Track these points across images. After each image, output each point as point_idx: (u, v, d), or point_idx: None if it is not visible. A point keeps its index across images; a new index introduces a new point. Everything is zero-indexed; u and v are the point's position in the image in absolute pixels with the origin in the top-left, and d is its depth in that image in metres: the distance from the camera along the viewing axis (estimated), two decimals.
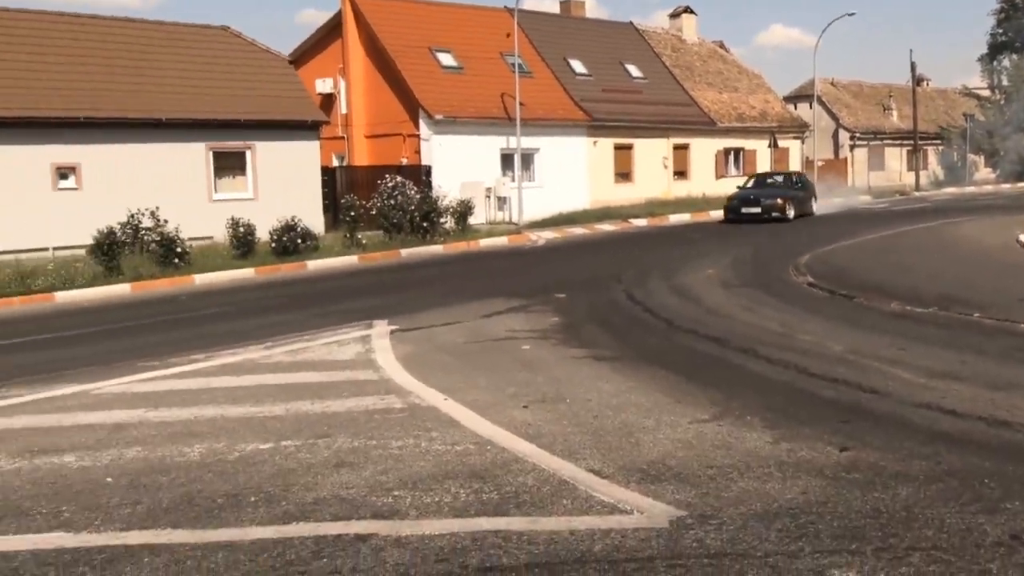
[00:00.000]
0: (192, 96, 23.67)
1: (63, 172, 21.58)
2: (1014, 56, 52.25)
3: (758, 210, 25.31)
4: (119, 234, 18.21)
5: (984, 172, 52.24)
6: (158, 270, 17.90)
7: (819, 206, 32.00)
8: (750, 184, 29.91)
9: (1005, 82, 51.86)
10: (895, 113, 51.16)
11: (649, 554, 4.06)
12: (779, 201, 25.76)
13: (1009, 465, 4.88)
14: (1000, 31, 54.16)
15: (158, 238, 18.52)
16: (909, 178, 47.54)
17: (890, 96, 52.42)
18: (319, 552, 4.28)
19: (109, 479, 5.64)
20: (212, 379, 8.53)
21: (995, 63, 54.48)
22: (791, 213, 25.58)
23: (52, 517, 5.00)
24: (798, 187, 28.35)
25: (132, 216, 18.83)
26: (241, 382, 8.32)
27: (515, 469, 5.34)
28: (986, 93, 54.87)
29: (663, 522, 4.40)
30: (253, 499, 5.11)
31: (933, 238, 19.51)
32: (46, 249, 20.39)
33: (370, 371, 8.46)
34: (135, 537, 4.64)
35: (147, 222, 18.85)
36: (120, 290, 16.44)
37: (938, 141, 52.04)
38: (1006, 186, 45.54)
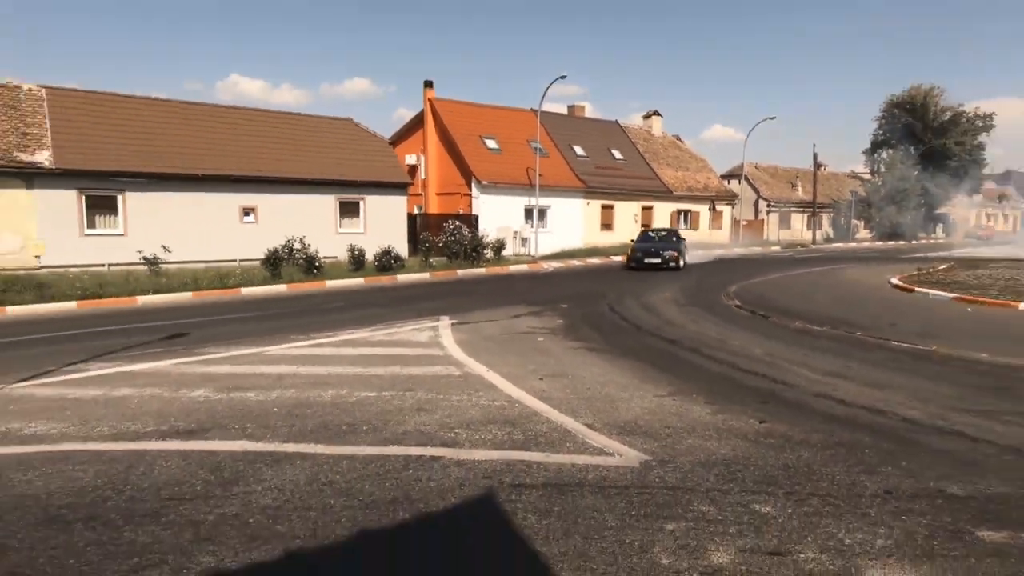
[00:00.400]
0: (326, 164, 23.86)
1: (247, 211, 21.93)
2: (890, 151, 51.68)
3: (658, 260, 21.57)
4: (280, 252, 18.72)
5: (863, 232, 51.72)
6: (303, 276, 18.11)
7: (741, 252, 31.83)
8: (640, 239, 24.63)
9: (882, 169, 51.38)
10: (800, 188, 50.73)
11: (625, 484, 4.06)
12: (675, 253, 21.84)
13: (883, 442, 4.84)
14: (880, 132, 53.59)
15: (303, 256, 18.86)
16: (808, 235, 47.04)
17: (797, 176, 52.00)
18: (407, 465, 4.42)
19: (275, 409, 5.80)
20: (338, 349, 8.62)
21: (875, 155, 53.95)
22: (682, 263, 22.09)
23: (241, 431, 5.22)
24: (676, 241, 23.42)
25: (288, 241, 19.26)
26: (356, 351, 8.40)
27: (534, 420, 5.37)
28: (867, 176, 54.37)
29: (635, 463, 4.40)
30: (364, 428, 5.24)
31: (826, 278, 19.11)
32: (234, 260, 20.71)
33: (437, 349, 8.49)
34: (291, 447, 4.84)
35: (297, 245, 19.22)
36: (280, 289, 16.62)
37: (830, 209, 51.56)
38: (879, 243, 45.14)
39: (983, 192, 62.63)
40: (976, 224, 62.80)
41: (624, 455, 4.53)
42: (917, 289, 14.94)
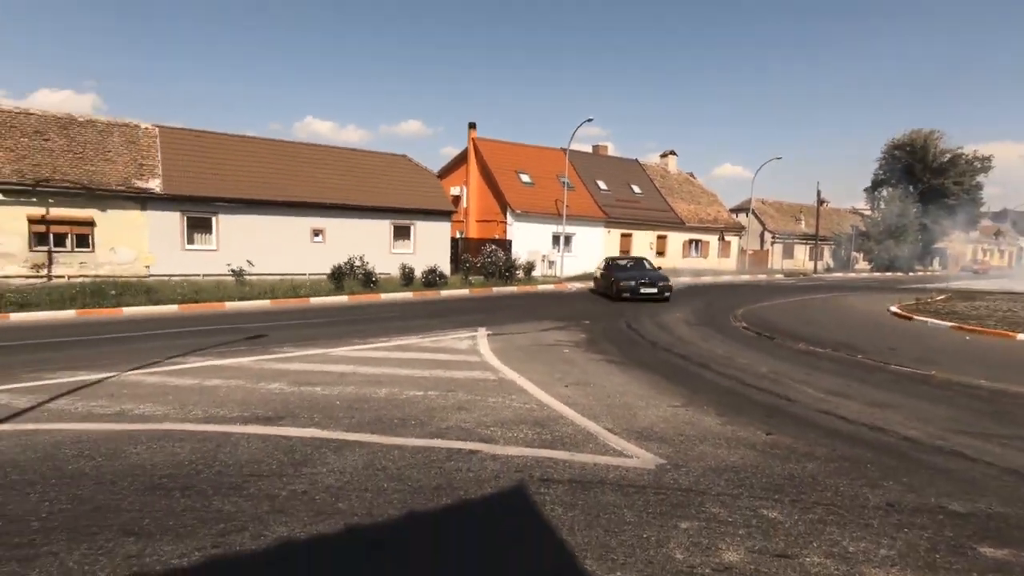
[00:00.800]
0: (383, 193, 24.36)
1: (316, 232, 22.45)
2: (889, 189, 49.93)
3: (655, 291, 17.14)
4: (343, 268, 19.09)
5: (862, 264, 49.93)
6: (362, 289, 18.39)
7: (747, 279, 31.07)
8: (616, 268, 19.48)
9: (882, 206, 49.62)
10: (803, 222, 49.38)
11: (643, 484, 3.98)
12: (668, 283, 17.51)
13: (885, 458, 4.63)
14: (881, 172, 51.82)
15: (362, 272, 19.17)
16: (809, 265, 45.71)
17: (800, 211, 50.66)
18: (450, 456, 4.42)
19: (338, 402, 5.89)
20: (390, 352, 8.69)
21: (876, 192, 52.17)
22: (668, 293, 17.46)
23: (309, 419, 5.31)
24: (657, 270, 19.59)
25: (350, 259, 19.66)
26: (406, 356, 8.45)
27: (561, 422, 5.32)
28: (868, 212, 52.57)
29: (651, 465, 4.31)
30: (412, 423, 5.25)
31: (827, 305, 18.32)
32: (305, 274, 21.32)
33: (475, 356, 8.50)
34: (351, 436, 4.90)
35: (357, 262, 19.58)
36: (342, 299, 16.87)
37: (831, 241, 49.99)
38: (877, 274, 43.42)
39: (980, 229, 59.93)
40: (972, 259, 59.98)
41: (641, 458, 4.45)
42: (916, 317, 14.27)
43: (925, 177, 48.27)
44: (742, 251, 41.53)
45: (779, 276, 36.32)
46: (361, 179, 24.50)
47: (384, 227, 24.15)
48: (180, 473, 4.03)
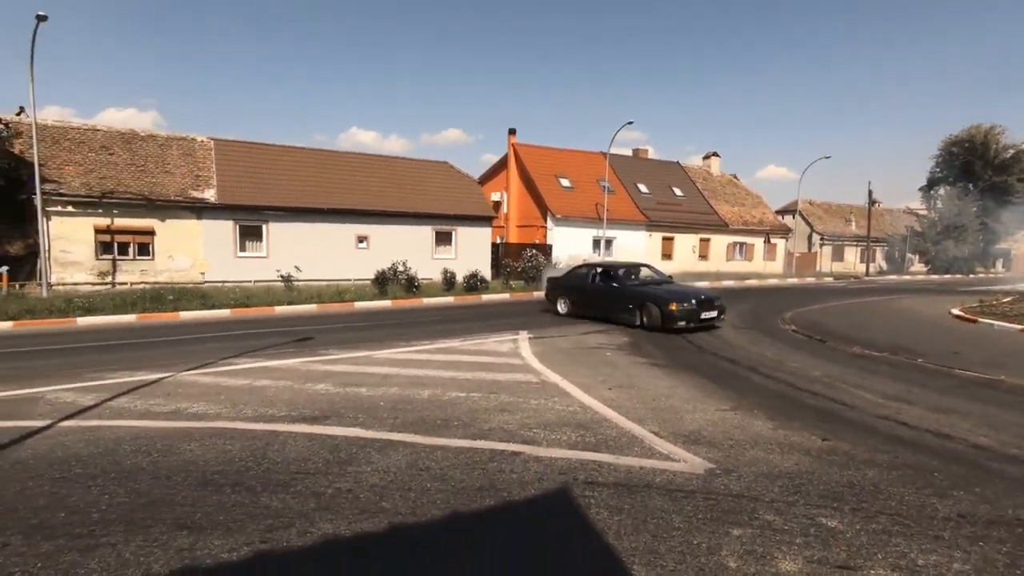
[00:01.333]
0: (425, 200, 24.69)
1: (360, 239, 22.97)
2: (947, 187, 47.37)
3: (715, 313, 11.51)
4: (386, 273, 19.32)
5: (918, 266, 47.43)
6: (404, 294, 18.57)
7: (795, 282, 29.95)
8: (588, 275, 13.31)
9: (939, 205, 47.05)
10: (853, 223, 47.26)
11: (691, 488, 3.83)
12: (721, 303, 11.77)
13: (952, 465, 4.32)
14: (938, 170, 49.22)
15: (405, 276, 19.34)
16: (860, 267, 43.72)
17: (851, 212, 48.54)
18: (493, 458, 4.36)
19: (382, 403, 5.92)
20: (433, 355, 8.71)
21: (932, 192, 49.58)
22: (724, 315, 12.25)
23: (353, 419, 5.36)
24: (668, 279, 13.52)
25: (393, 264, 19.83)
26: (448, 358, 8.46)
27: (605, 425, 5.19)
28: (923, 212, 49.92)
29: (700, 470, 4.15)
30: (455, 423, 5.22)
31: (881, 307, 17.30)
32: (350, 280, 21.74)
33: (517, 359, 8.42)
34: (395, 436, 4.89)
35: (400, 268, 19.72)
36: (386, 304, 17.09)
37: (884, 243, 47.69)
38: (935, 276, 41.16)
39: None
40: None
41: (689, 462, 4.28)
42: (980, 320, 13.39)
43: (986, 174, 45.59)
44: (789, 254, 40.11)
45: (828, 279, 34.92)
46: (403, 186, 24.90)
47: (426, 233, 24.46)
48: (231, 470, 4.10)
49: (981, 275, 43.49)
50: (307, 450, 4.49)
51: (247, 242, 21.02)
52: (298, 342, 9.93)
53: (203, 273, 20.09)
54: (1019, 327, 12.12)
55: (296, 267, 19.79)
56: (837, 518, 3.41)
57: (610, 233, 29.87)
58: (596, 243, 30.06)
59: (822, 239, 44.83)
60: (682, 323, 10.90)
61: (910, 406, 5.99)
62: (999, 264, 50.32)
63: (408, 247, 23.11)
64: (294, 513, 3.43)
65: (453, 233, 25.11)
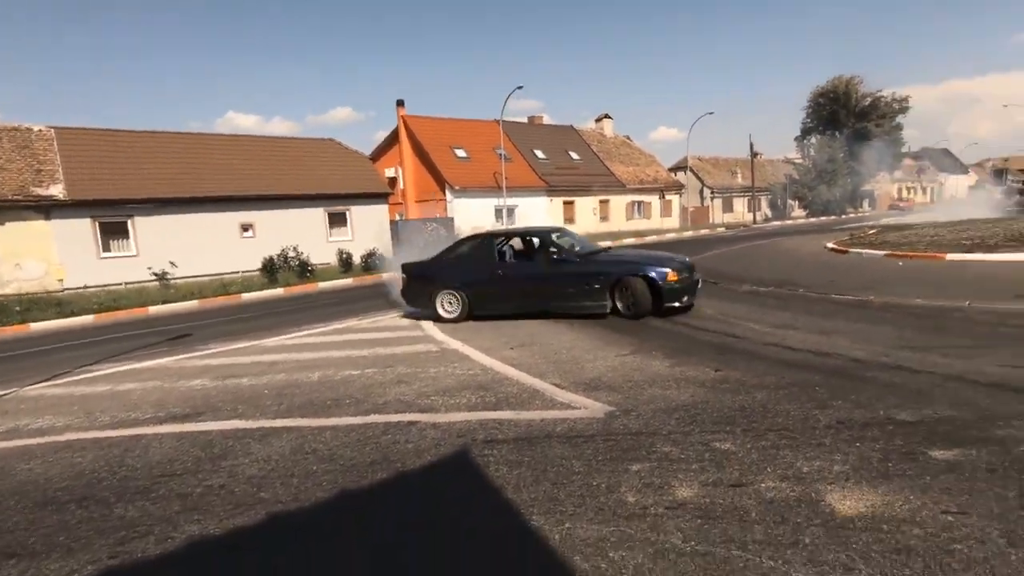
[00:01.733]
0: (314, 181, 23.36)
1: (245, 227, 21.36)
2: (818, 136, 51.59)
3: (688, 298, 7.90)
4: (276, 260, 18.25)
5: (798, 211, 51.74)
6: (297, 280, 17.64)
7: (691, 234, 31.77)
8: (495, 250, 8.67)
9: (811, 153, 51.25)
10: (739, 175, 50.56)
11: (592, 432, 3.82)
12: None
13: (832, 379, 4.61)
14: (808, 120, 53.35)
15: (297, 262, 18.42)
16: (749, 216, 47.04)
17: (736, 165, 51.83)
18: (387, 431, 4.16)
19: (266, 391, 5.51)
20: (327, 337, 8.27)
21: (805, 141, 53.67)
22: None
23: (233, 412, 4.95)
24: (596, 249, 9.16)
25: (282, 251, 18.81)
26: (343, 338, 8.06)
27: (506, 384, 5.11)
28: (799, 160, 54.18)
29: (600, 414, 4.16)
30: (348, 402, 4.95)
31: (767, 250, 18.49)
32: (237, 272, 20.29)
33: (418, 331, 8.15)
34: (279, 423, 4.57)
35: (291, 253, 18.77)
36: (277, 292, 16.15)
37: (767, 192, 51.50)
38: (813, 219, 45.12)
39: (903, 168, 63.12)
40: (898, 198, 63.33)
41: (590, 408, 4.29)
42: (851, 250, 14.83)
43: (849, 122, 50.21)
44: (683, 209, 42.33)
45: (721, 229, 37.26)
46: (288, 168, 23.33)
47: (318, 215, 23.19)
48: (78, 484, 3.59)
49: (852, 215, 48.28)
50: (174, 451, 4.03)
51: (111, 241, 18.90)
52: (173, 340, 9.06)
53: (61, 280, 17.86)
54: (884, 253, 13.53)
55: (171, 263, 18.09)
56: (730, 440, 3.53)
57: (512, 201, 29.95)
58: (499, 212, 30.06)
59: (712, 192, 47.66)
60: (683, 299, 7.76)
61: (795, 331, 6.40)
62: (866, 204, 56.09)
63: (300, 231, 21.75)
64: (154, 520, 3.04)
65: (347, 213, 24.01)
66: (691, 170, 46.03)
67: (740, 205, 49.60)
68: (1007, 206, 32.96)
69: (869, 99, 50.45)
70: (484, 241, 8.89)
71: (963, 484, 2.82)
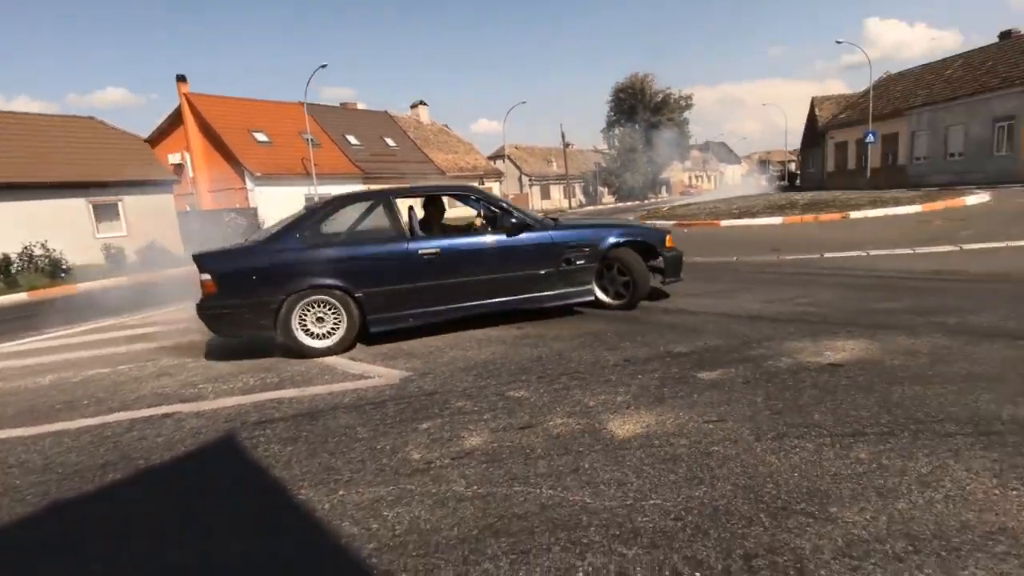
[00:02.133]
0: (71, 166, 19.55)
1: None
2: (620, 128, 56.64)
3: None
4: (13, 260, 14.99)
5: (608, 197, 56.76)
6: (49, 282, 14.61)
7: None
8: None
9: (616, 143, 56.26)
10: (555, 164, 53.98)
11: (383, 399, 3.60)
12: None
13: (623, 327, 4.91)
14: (612, 114, 58.25)
15: (47, 261, 15.39)
16: (565, 203, 50.53)
17: (551, 154, 55.24)
18: (131, 428, 3.49)
19: None
20: (78, 337, 6.93)
21: (610, 132, 58.61)
22: None
23: None
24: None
25: (25, 248, 15.58)
26: (98, 337, 6.81)
27: (292, 362, 4.65)
28: (606, 150, 59.14)
29: (396, 380, 3.95)
30: (86, 402, 4.12)
31: None
32: None
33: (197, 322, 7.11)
34: None
35: (38, 250, 15.55)
36: (19, 296, 13.23)
37: (581, 180, 55.65)
38: (620, 203, 49.86)
39: (691, 159, 72.77)
40: (688, 185, 73.02)
41: (385, 376, 4.05)
42: (647, 222, 16.73)
43: (646, 115, 56.33)
44: (503, 196, 44.02)
45: (539, 215, 39.45)
46: (32, 150, 19.27)
47: (79, 206, 19.57)
48: None
49: (652, 199, 54.46)
50: None
51: None
52: None
53: None
54: (673, 222, 15.46)
55: None
56: (524, 388, 3.54)
57: (323, 189, 28.34)
58: (309, 200, 28.31)
59: (530, 180, 50.25)
60: (680, 275, 5.93)
61: None
62: (663, 190, 63.71)
63: (54, 226, 18.00)
64: None
65: (119, 204, 20.64)
66: (509, 158, 47.96)
67: (557, 192, 52.93)
68: (769, 189, 40.50)
69: (661, 95, 56.99)
70: (381, 203, 5.42)
71: (723, 396, 3.13)
